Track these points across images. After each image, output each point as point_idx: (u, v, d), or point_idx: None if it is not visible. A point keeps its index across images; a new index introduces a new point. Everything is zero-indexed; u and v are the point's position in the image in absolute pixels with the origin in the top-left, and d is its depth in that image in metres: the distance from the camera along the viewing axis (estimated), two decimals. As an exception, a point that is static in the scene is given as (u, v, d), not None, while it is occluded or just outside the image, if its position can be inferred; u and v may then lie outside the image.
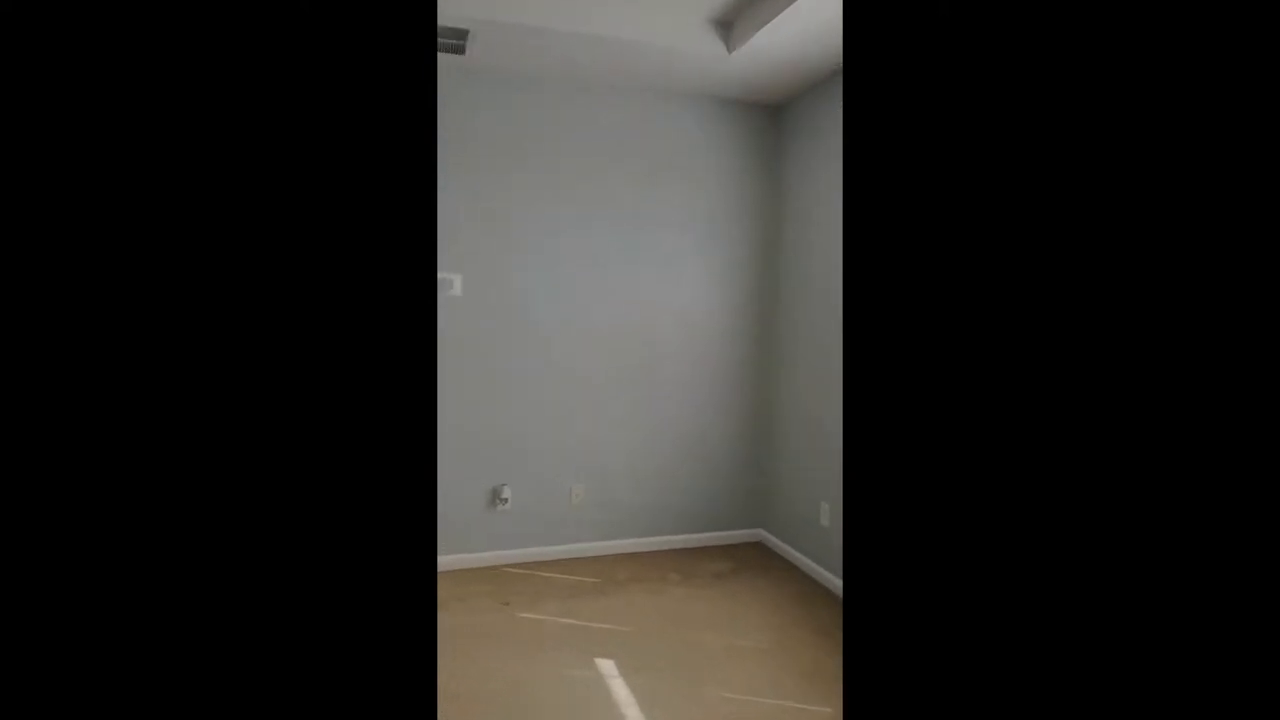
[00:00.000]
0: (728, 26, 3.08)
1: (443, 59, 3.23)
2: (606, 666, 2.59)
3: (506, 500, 3.51)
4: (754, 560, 3.69)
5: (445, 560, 3.43)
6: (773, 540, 3.85)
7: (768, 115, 3.82)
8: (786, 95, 3.65)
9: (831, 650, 2.75)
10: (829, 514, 3.38)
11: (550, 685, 2.46)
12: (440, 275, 3.33)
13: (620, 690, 2.45)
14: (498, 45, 3.07)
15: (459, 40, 3.04)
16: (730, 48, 3.08)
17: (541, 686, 2.45)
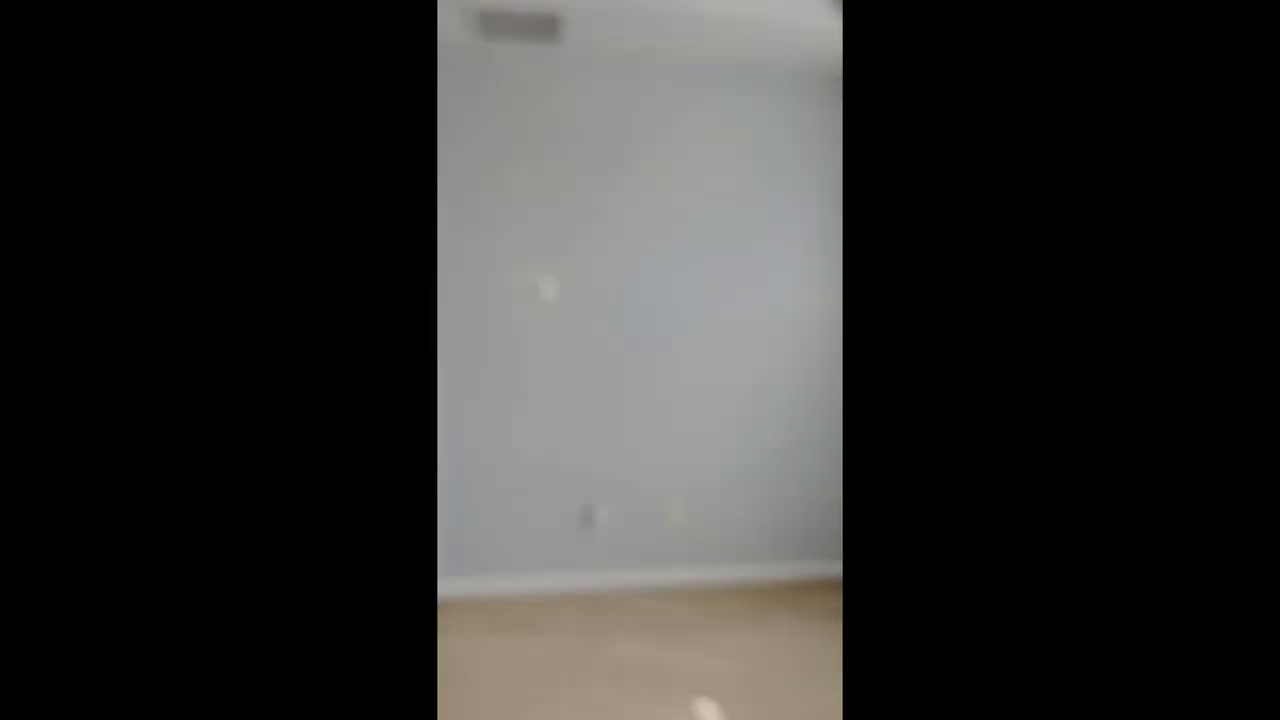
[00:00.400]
0: (842, -6, 2.78)
1: (533, 49, 3.08)
2: (707, 710, 2.25)
3: (599, 521, 3.23)
4: (877, 597, 3.24)
5: (530, 584, 3.18)
6: (898, 576, 3.39)
7: (886, 102, 3.46)
8: (908, 77, 3.29)
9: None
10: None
11: (642, 729, 2.14)
12: (529, 277, 3.14)
13: (723, 740, 2.10)
14: (592, 31, 2.89)
15: (550, 28, 2.87)
16: (845, 16, 2.77)
17: (632, 730, 2.13)
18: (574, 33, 2.93)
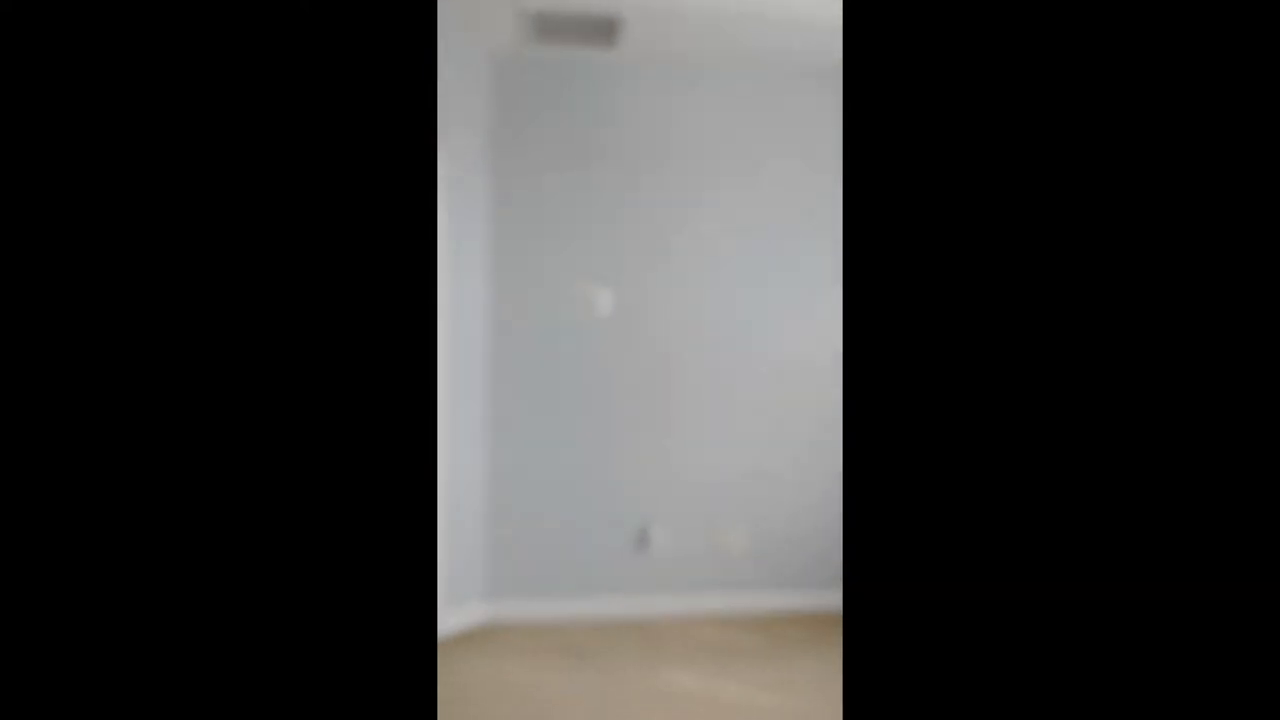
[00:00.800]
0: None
1: (589, 55, 3.02)
2: (772, 750, 2.08)
3: (654, 543, 3.09)
4: (952, 631, 3.02)
5: (581, 607, 3.05)
6: (974, 608, 3.16)
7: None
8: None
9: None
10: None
11: (702, 768, 1.98)
12: (584, 291, 3.05)
13: (791, 783, 1.92)
14: (651, 34, 2.81)
15: (608, 31, 2.81)
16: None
17: (691, 768, 1.97)
18: (632, 37, 2.85)
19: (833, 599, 3.20)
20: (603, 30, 2.80)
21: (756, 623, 3.05)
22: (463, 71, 2.91)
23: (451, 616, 2.89)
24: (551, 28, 2.79)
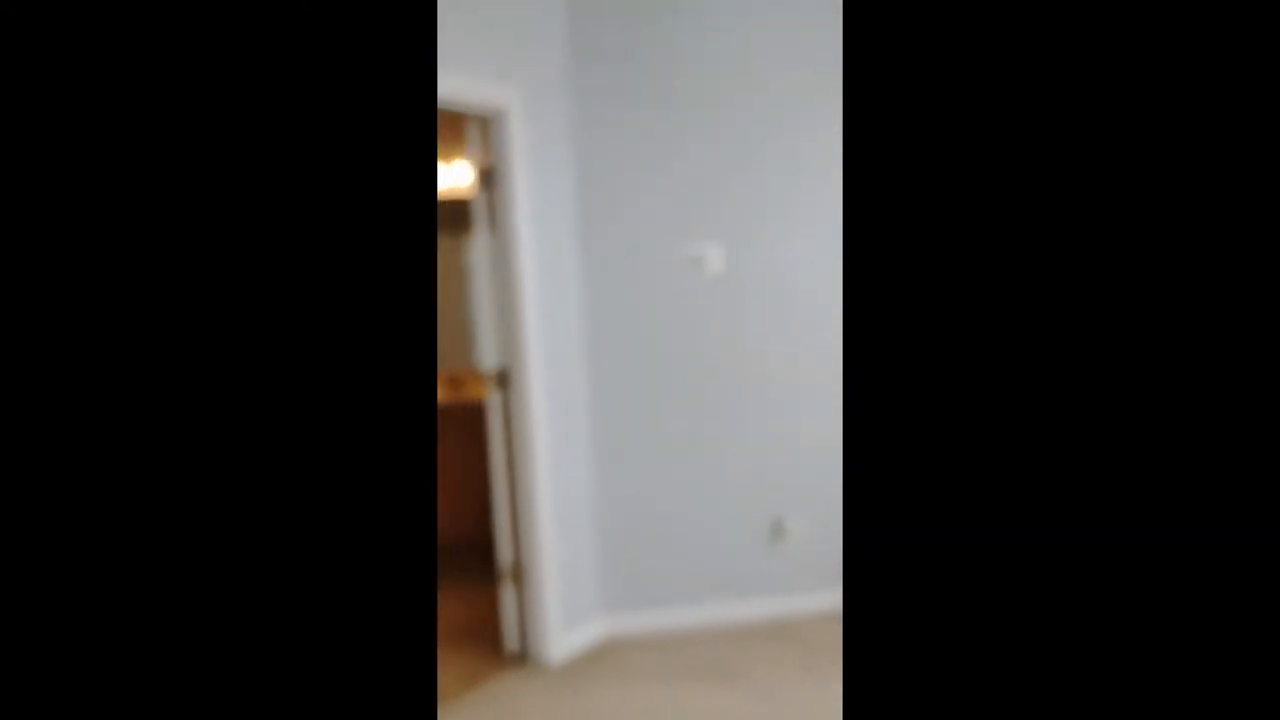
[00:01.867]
0: None
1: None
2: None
3: (791, 534, 2.70)
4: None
5: (711, 614, 2.66)
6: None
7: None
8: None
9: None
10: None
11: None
12: (689, 248, 2.60)
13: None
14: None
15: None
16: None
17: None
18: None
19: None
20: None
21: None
22: (538, 13, 2.42)
23: (565, 637, 2.49)
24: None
